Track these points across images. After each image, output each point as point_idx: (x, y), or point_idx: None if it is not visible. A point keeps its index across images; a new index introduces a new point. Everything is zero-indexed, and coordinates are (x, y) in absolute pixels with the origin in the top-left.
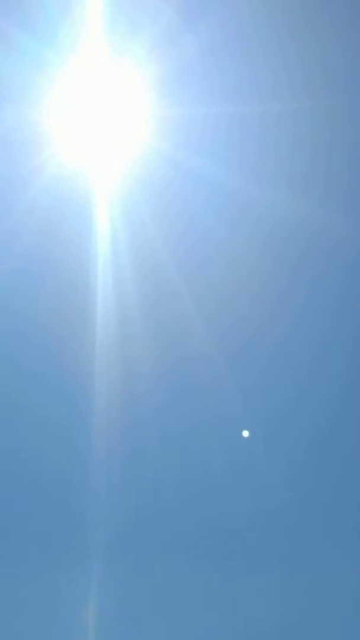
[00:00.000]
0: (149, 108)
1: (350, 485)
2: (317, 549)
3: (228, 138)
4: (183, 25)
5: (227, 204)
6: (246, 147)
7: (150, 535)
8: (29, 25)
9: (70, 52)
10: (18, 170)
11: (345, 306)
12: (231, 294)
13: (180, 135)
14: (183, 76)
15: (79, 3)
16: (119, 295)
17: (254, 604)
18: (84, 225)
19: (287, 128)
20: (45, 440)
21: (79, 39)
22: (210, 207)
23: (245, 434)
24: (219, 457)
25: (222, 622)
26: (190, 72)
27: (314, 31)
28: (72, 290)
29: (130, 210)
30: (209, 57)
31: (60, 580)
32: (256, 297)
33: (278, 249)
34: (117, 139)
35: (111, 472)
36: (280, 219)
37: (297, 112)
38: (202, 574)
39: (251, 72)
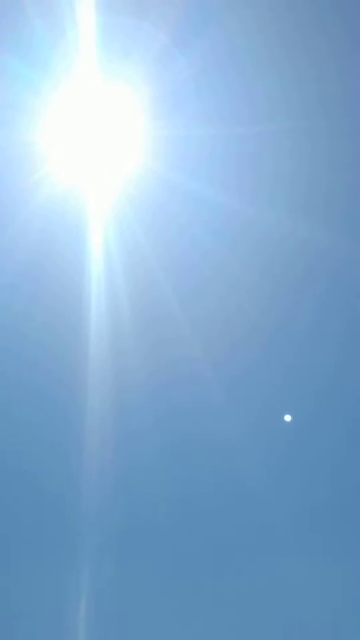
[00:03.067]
0: (143, 129)
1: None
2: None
3: (222, 159)
4: (177, 47)
5: (222, 224)
6: (240, 167)
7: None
8: (23, 49)
9: (65, 74)
10: (13, 190)
11: (344, 326)
12: (226, 313)
13: (174, 156)
14: (177, 98)
15: (74, 27)
16: (113, 314)
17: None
18: (78, 245)
19: (282, 148)
20: (40, 453)
21: (74, 62)
22: (205, 227)
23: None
24: (211, 474)
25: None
26: (185, 94)
27: (307, 52)
28: (67, 308)
29: (124, 230)
30: (203, 79)
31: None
32: (252, 317)
33: (274, 268)
34: (112, 159)
35: (104, 486)
36: (276, 239)
37: (291, 132)
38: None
39: (245, 94)
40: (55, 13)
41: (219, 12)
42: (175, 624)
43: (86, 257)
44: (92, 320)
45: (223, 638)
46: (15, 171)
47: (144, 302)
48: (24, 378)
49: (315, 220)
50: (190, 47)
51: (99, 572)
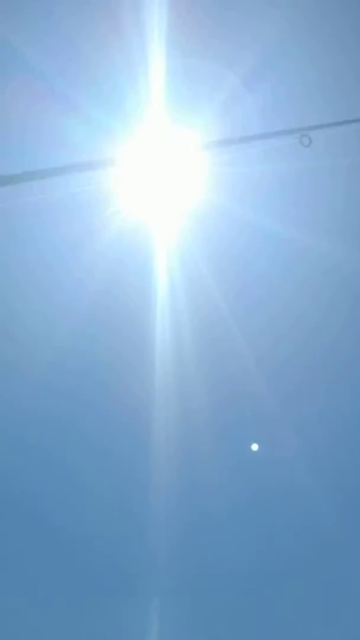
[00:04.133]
0: (209, 166)
1: None
2: None
3: (282, 193)
4: (244, 86)
5: (281, 254)
6: (299, 200)
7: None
8: (94, 89)
9: (133, 115)
10: (86, 226)
11: None
12: (289, 344)
13: (236, 191)
14: (237, 136)
15: (145, 67)
16: (178, 344)
17: None
18: (146, 277)
19: (343, 183)
20: (109, 473)
21: (144, 101)
22: (267, 259)
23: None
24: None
25: None
26: (245, 133)
27: None
28: (135, 336)
29: (189, 263)
30: (266, 116)
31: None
32: (310, 344)
33: (334, 300)
34: (177, 196)
35: (169, 507)
36: (334, 268)
37: (350, 167)
38: None
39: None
40: (129, 54)
41: (284, 48)
42: None
43: (153, 288)
44: (158, 349)
45: None
46: (89, 209)
47: (207, 333)
48: (95, 401)
49: None
50: (257, 86)
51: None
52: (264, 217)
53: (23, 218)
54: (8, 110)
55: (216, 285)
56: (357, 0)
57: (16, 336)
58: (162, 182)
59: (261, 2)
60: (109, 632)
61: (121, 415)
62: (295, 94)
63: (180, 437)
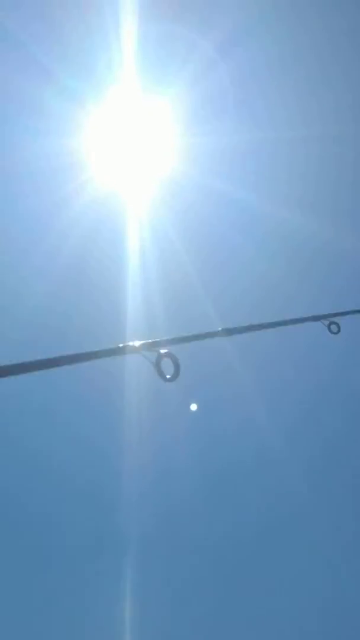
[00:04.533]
0: (181, 136)
1: None
2: None
3: (259, 164)
4: (213, 59)
5: (253, 225)
6: (270, 171)
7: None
8: (66, 57)
9: (107, 82)
10: (56, 194)
11: None
12: (257, 313)
13: (207, 161)
14: (211, 107)
15: (116, 36)
16: (149, 315)
17: None
18: (117, 248)
19: (312, 153)
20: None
21: (115, 70)
22: (239, 229)
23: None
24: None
25: None
26: (219, 103)
27: (348, 62)
28: (105, 308)
29: (161, 233)
30: (237, 89)
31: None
32: (282, 314)
33: (307, 271)
34: (151, 165)
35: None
36: (303, 239)
37: (326, 137)
38: None
39: (276, 102)
40: (99, 21)
41: (261, 20)
42: None
43: (124, 258)
44: (129, 319)
45: None
46: (59, 176)
47: (178, 300)
48: (64, 377)
49: (351, 223)
50: (226, 59)
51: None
52: (235, 188)
53: None
54: None
55: (187, 253)
56: None
57: None
58: (134, 150)
59: None
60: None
61: (92, 392)
62: (271, 65)
63: (151, 410)
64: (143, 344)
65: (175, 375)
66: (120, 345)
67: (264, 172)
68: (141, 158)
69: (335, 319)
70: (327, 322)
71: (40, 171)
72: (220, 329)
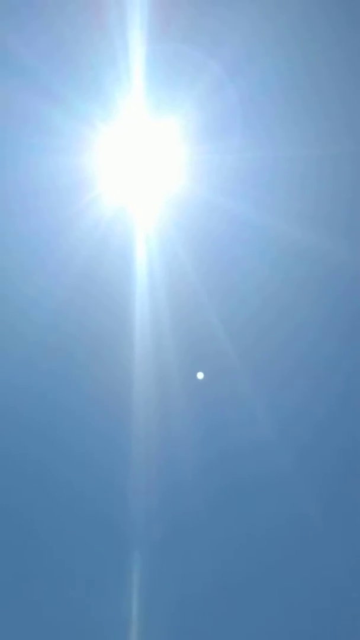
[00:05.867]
0: (190, 154)
1: None
2: None
3: (261, 181)
4: (221, 78)
5: (261, 242)
6: (278, 189)
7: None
8: (73, 76)
9: (114, 100)
10: (63, 213)
11: None
12: (271, 334)
13: (215, 179)
14: (219, 126)
15: (124, 53)
16: (157, 335)
17: None
18: (124, 267)
19: (321, 171)
20: (88, 471)
21: (123, 88)
22: (250, 249)
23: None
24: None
25: None
26: (229, 121)
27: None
28: (112, 329)
29: (170, 252)
30: (245, 109)
31: None
32: (296, 338)
33: (319, 291)
34: (160, 184)
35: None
36: (317, 260)
37: (337, 157)
38: None
39: (284, 122)
40: (106, 40)
41: (269, 40)
42: None
43: (132, 278)
44: (136, 341)
45: None
46: (65, 195)
47: (187, 324)
48: (70, 399)
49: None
50: (239, 74)
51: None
52: (243, 206)
53: (2, 203)
54: None
55: (195, 271)
56: None
57: None
58: (143, 169)
59: None
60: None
61: (99, 407)
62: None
63: (159, 422)
64: None
65: None
66: None
67: (272, 190)
68: (149, 176)
69: None
70: None
71: (48, 189)
72: None
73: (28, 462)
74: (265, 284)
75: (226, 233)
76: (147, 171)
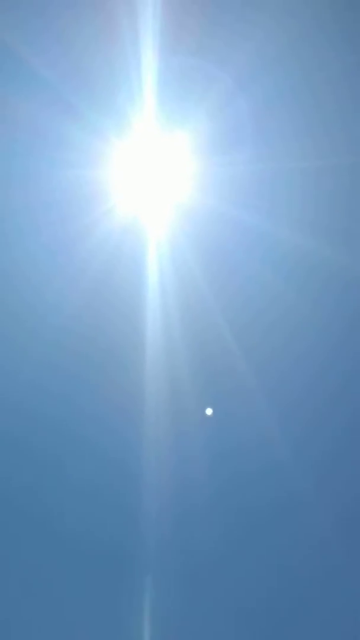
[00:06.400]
0: (202, 166)
1: None
2: None
3: (274, 193)
4: (233, 89)
5: (273, 253)
6: (293, 201)
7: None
8: (85, 88)
9: (125, 115)
10: (76, 224)
11: None
12: (282, 345)
13: (229, 191)
14: (232, 137)
15: (137, 67)
16: (169, 345)
17: None
18: (137, 277)
19: (335, 183)
20: (98, 474)
21: (135, 101)
22: (258, 257)
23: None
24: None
25: None
26: (239, 133)
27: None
28: (124, 338)
29: (182, 264)
30: (256, 121)
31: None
32: (306, 347)
33: (332, 302)
34: (169, 195)
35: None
36: (329, 270)
37: (349, 167)
38: None
39: (296, 133)
40: (119, 54)
41: (279, 52)
42: None
43: (144, 287)
44: (148, 350)
45: None
46: (78, 208)
47: (200, 335)
48: (85, 400)
49: None
50: (249, 87)
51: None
52: (259, 218)
53: (18, 214)
54: (2, 109)
55: (207, 284)
56: None
57: (4, 335)
58: (156, 181)
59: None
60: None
61: (112, 414)
62: (292, 92)
63: (173, 434)
64: None
65: None
66: None
67: (283, 202)
68: (160, 188)
69: None
70: None
71: (61, 201)
72: None
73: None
74: (278, 294)
75: (237, 243)
76: (158, 183)
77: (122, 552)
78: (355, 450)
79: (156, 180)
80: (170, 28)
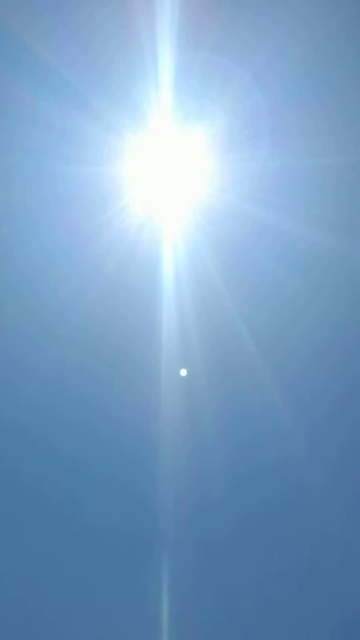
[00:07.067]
0: (218, 162)
1: None
2: None
3: (297, 191)
4: (250, 87)
5: (291, 251)
6: (309, 197)
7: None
8: (99, 85)
9: (143, 112)
10: (92, 222)
11: None
12: (297, 341)
13: (244, 188)
14: (249, 133)
15: (152, 63)
16: (185, 345)
17: None
18: (153, 274)
19: (353, 180)
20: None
21: (151, 97)
22: (275, 255)
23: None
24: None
25: None
26: (256, 129)
27: None
28: (139, 336)
29: (198, 260)
30: (273, 117)
31: None
32: (322, 344)
33: (347, 297)
34: (186, 192)
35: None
36: (349, 268)
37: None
38: None
39: (315, 130)
40: (134, 49)
41: (298, 48)
42: None
43: (160, 285)
44: (164, 348)
45: None
46: (94, 204)
47: (216, 331)
48: (99, 399)
49: None
50: (267, 82)
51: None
52: (273, 215)
53: (29, 213)
54: (12, 104)
55: (223, 282)
56: None
57: (19, 333)
58: (170, 178)
59: None
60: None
61: (126, 414)
62: (311, 89)
63: (185, 434)
64: None
65: None
66: None
67: (301, 199)
68: (178, 185)
69: None
70: None
71: (76, 198)
72: None
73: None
74: (295, 292)
75: (254, 241)
76: (174, 180)
77: (140, 542)
78: None
79: (171, 177)
80: (189, 22)
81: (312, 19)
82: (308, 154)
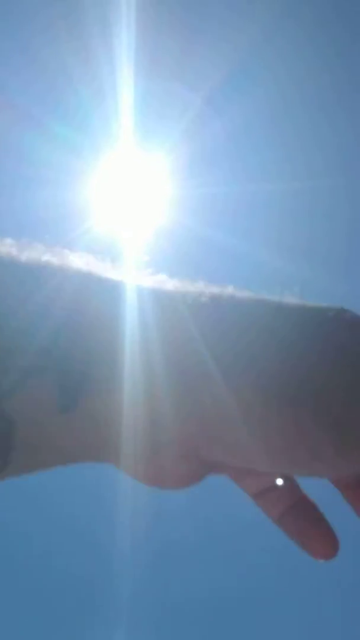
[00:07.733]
0: (178, 188)
1: None
2: None
3: (256, 216)
4: (208, 113)
5: (250, 274)
6: (268, 222)
7: None
8: (63, 110)
9: (102, 138)
10: (55, 244)
11: None
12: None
13: (205, 212)
14: (206, 160)
15: (113, 89)
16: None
17: None
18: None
19: (317, 206)
20: None
21: (112, 123)
22: (233, 276)
23: None
24: None
25: None
26: (213, 156)
27: (345, 112)
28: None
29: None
30: (231, 143)
31: None
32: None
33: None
34: (146, 216)
35: None
36: (309, 293)
37: (325, 190)
38: None
39: (274, 155)
40: (95, 76)
41: (255, 75)
42: None
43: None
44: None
45: None
46: (56, 228)
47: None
48: None
49: (355, 277)
50: (224, 109)
51: None
52: (231, 238)
53: None
54: None
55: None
56: None
57: None
58: (130, 202)
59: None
60: None
61: None
62: (269, 114)
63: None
64: None
65: None
66: None
67: (259, 223)
68: (137, 210)
69: None
70: None
71: (36, 222)
72: None
73: None
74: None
75: (215, 265)
76: (135, 205)
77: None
78: None
79: (134, 202)
80: (148, 49)
81: (270, 45)
82: (268, 179)
